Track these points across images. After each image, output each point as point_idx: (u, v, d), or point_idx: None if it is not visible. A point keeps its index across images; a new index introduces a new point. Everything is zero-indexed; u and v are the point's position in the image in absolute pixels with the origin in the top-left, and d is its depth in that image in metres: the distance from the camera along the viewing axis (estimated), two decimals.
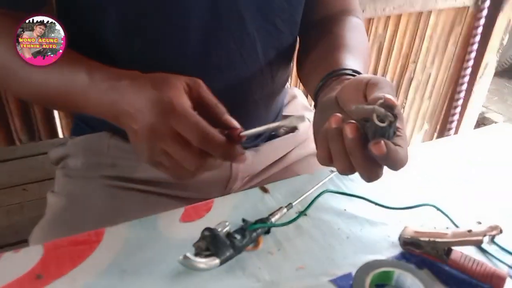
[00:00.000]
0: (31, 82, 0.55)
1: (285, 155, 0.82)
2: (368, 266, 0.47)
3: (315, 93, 0.57)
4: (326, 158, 0.45)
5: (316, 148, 0.48)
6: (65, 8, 0.62)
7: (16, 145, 1.07)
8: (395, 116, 0.40)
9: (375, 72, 1.70)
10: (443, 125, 2.01)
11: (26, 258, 0.47)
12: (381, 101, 0.40)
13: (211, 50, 0.62)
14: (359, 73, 0.55)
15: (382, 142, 0.40)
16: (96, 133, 0.74)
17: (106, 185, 0.70)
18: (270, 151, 0.80)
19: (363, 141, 0.41)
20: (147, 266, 0.47)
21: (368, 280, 0.45)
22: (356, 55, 0.61)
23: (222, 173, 0.75)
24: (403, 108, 1.87)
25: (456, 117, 1.93)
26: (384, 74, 1.72)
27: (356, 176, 0.44)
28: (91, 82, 0.50)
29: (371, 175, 0.43)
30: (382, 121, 0.40)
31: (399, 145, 0.42)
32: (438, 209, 0.58)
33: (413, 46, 1.70)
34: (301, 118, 0.46)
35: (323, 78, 0.56)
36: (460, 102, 1.89)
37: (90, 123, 0.76)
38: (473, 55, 1.78)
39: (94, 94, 0.50)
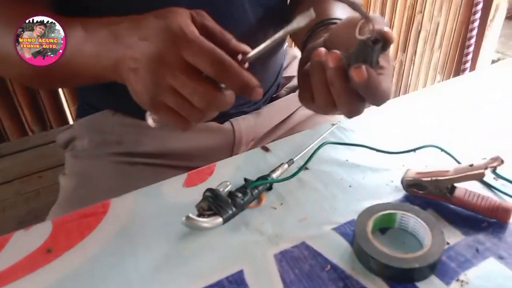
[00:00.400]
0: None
1: (288, 117, 0.81)
2: (370, 211, 0.47)
3: (302, 44, 0.56)
4: (308, 97, 0.44)
5: (299, 87, 0.46)
6: None
7: (28, 135, 1.10)
8: (375, 41, 0.38)
9: None
10: (456, 74, 1.97)
11: (36, 235, 0.48)
12: (362, 19, 0.38)
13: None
14: None
15: (363, 66, 0.38)
16: (100, 112, 0.75)
17: (113, 161, 0.71)
18: (272, 113, 0.79)
19: (345, 75, 0.40)
20: (154, 231, 0.49)
21: (370, 224, 0.45)
22: (343, 6, 0.59)
23: (226, 139, 0.75)
24: (413, 61, 1.83)
25: (468, 65, 1.88)
26: (390, 27, 1.67)
27: (357, 126, 0.44)
28: (86, 35, 0.47)
29: (352, 108, 0.42)
30: (362, 33, 0.38)
31: (382, 75, 0.40)
32: (441, 149, 0.57)
33: None
34: (308, 15, 0.41)
35: (311, 28, 0.55)
36: (471, 49, 1.84)
37: (93, 104, 0.77)
38: None
39: (90, 48, 0.46)
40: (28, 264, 0.45)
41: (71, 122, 1.16)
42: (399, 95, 1.90)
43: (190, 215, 0.46)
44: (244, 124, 0.76)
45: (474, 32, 1.80)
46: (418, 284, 0.41)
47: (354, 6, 0.39)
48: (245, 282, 0.41)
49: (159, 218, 0.50)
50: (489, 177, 0.52)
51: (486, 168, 0.46)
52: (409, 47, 1.78)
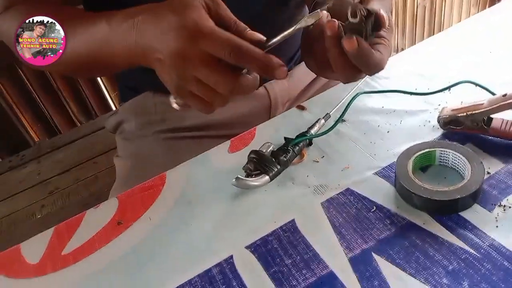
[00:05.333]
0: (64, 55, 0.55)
1: None
2: (409, 151, 0.48)
3: (310, 9, 0.57)
4: (310, 60, 0.47)
5: (301, 49, 0.49)
6: None
7: (77, 126, 1.17)
8: (369, 13, 0.41)
9: None
10: (492, 3, 1.87)
11: (106, 210, 0.54)
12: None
13: None
14: None
15: (354, 37, 0.41)
16: (141, 94, 0.79)
17: (160, 139, 0.76)
18: (303, 72, 0.81)
19: (341, 43, 0.42)
20: (208, 196, 0.53)
21: (410, 164, 0.47)
22: None
23: (263, 103, 0.78)
24: None
25: None
26: None
27: (391, 73, 0.45)
28: (111, 29, 0.49)
29: (346, 74, 0.45)
30: (355, 16, 0.40)
31: (378, 50, 0.43)
32: (476, 84, 0.58)
33: None
34: (315, 15, 0.44)
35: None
36: None
37: (134, 87, 0.81)
38: None
39: (116, 40, 0.48)
40: (103, 237, 0.50)
41: (113, 108, 1.22)
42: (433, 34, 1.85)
43: (239, 176, 0.50)
44: (278, 87, 0.78)
45: None
46: (462, 213, 0.43)
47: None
48: (297, 229, 0.45)
49: (211, 183, 0.55)
50: None
51: None
52: None
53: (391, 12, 0.47)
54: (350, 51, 0.42)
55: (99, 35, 0.51)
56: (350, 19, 0.41)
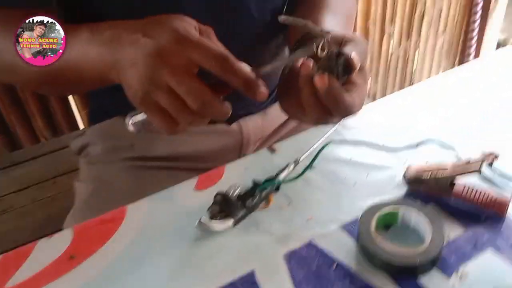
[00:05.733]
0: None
1: None
2: (373, 208, 0.49)
3: (291, 52, 0.58)
4: (285, 101, 0.48)
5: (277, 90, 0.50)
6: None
7: (41, 142, 1.13)
8: (340, 53, 0.41)
9: (383, 16, 1.66)
10: (461, 58, 1.96)
11: (59, 242, 0.51)
12: (328, 34, 0.41)
13: (209, 24, 0.63)
14: None
15: (326, 75, 0.41)
16: (112, 118, 0.77)
17: (127, 166, 0.74)
18: (278, 112, 0.80)
19: (314, 73, 0.43)
20: (169, 235, 0.51)
21: (374, 222, 0.47)
22: (337, 16, 0.61)
23: (234, 140, 0.78)
24: (418, 47, 1.83)
25: (472, 49, 1.88)
26: (393, 15, 1.68)
27: (361, 124, 0.46)
28: (91, 36, 0.48)
29: (318, 115, 0.45)
30: (323, 49, 0.41)
31: (349, 90, 0.44)
32: (442, 144, 0.59)
33: None
34: (309, 50, 0.43)
35: (301, 37, 0.57)
36: (475, 32, 1.83)
37: (106, 110, 0.79)
38: None
39: (94, 47, 0.47)
40: (52, 271, 0.48)
41: (81, 127, 1.19)
42: (404, 84, 1.91)
43: (202, 219, 0.49)
44: (252, 124, 0.78)
45: (478, 15, 1.80)
46: (420, 277, 0.43)
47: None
48: (256, 283, 0.44)
49: (173, 222, 0.53)
50: (488, 171, 0.54)
51: (482, 164, 0.48)
52: (413, 34, 1.78)
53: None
54: (321, 89, 0.42)
55: (77, 44, 0.49)
56: (319, 53, 0.41)
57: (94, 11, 0.61)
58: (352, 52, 0.43)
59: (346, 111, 0.44)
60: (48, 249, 0.51)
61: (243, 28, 0.67)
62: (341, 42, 0.46)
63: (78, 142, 0.81)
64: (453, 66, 1.99)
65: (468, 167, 0.48)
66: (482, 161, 0.47)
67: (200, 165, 0.78)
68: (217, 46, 0.43)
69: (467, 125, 0.64)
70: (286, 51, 0.83)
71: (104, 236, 0.52)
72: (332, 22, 0.59)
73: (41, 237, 0.52)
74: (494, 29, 1.88)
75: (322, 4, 0.63)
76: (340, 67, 0.42)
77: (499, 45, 2.02)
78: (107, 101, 0.79)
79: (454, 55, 1.96)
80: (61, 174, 1.14)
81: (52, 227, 0.54)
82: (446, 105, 0.69)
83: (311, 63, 0.43)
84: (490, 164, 0.48)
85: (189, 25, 0.44)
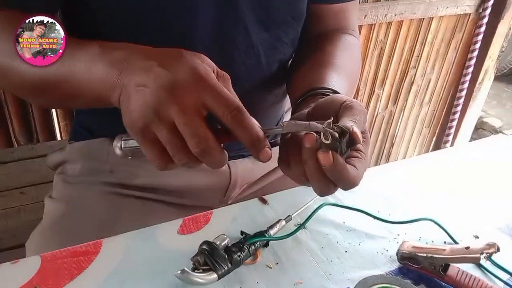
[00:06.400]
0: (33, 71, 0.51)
1: None
2: (365, 283, 0.47)
3: (294, 107, 0.58)
4: (286, 164, 0.45)
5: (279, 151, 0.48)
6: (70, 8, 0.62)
7: (13, 147, 1.07)
8: (343, 132, 0.41)
9: (375, 78, 1.70)
10: (442, 130, 2.02)
11: (24, 269, 0.47)
12: (329, 120, 0.41)
13: (216, 62, 0.62)
14: (338, 93, 0.55)
15: (330, 153, 0.41)
16: (96, 139, 0.74)
17: (104, 191, 0.70)
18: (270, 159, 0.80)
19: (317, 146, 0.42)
20: (146, 279, 0.47)
21: None
22: (342, 75, 0.61)
23: (221, 181, 0.75)
24: (402, 113, 1.87)
25: (454, 123, 1.94)
26: (384, 79, 1.72)
27: (356, 188, 0.44)
28: (101, 52, 0.46)
29: (323, 188, 0.44)
30: (327, 138, 0.41)
31: (353, 165, 0.43)
32: (436, 223, 0.58)
33: (413, 51, 1.70)
34: (300, 126, 0.43)
35: (304, 94, 0.56)
36: (459, 108, 1.90)
37: (90, 129, 0.76)
38: (473, 61, 1.79)
39: (103, 62, 0.45)
40: None
41: (58, 137, 1.14)
42: (385, 145, 1.94)
43: (186, 268, 0.46)
44: (241, 167, 0.75)
45: (464, 93, 1.86)
46: None
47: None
48: None
49: (152, 264, 0.49)
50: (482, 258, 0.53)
51: (481, 254, 0.47)
52: (400, 99, 1.83)
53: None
54: (325, 166, 0.41)
55: (84, 58, 0.47)
56: (324, 141, 0.41)
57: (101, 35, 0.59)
58: (354, 127, 0.42)
59: (351, 184, 0.44)
60: (11, 276, 0.46)
61: (248, 71, 0.66)
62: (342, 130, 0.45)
63: (56, 157, 0.77)
64: (434, 135, 2.04)
65: (467, 257, 0.47)
66: (483, 250, 0.46)
67: (181, 201, 0.75)
68: (233, 95, 0.42)
69: (462, 206, 0.64)
70: (285, 103, 0.82)
71: (74, 270, 0.48)
72: (337, 82, 0.58)
73: (1, 251, 0.47)
74: (477, 106, 1.95)
75: (330, 62, 0.63)
76: (344, 145, 0.42)
77: (495, 131, 2.09)
78: (93, 119, 0.75)
79: (435, 126, 2.02)
80: (29, 185, 1.07)
81: (10, 240, 0.49)
82: (440, 186, 0.69)
83: (314, 136, 0.42)
84: (490, 255, 0.47)
85: (208, 66, 0.43)
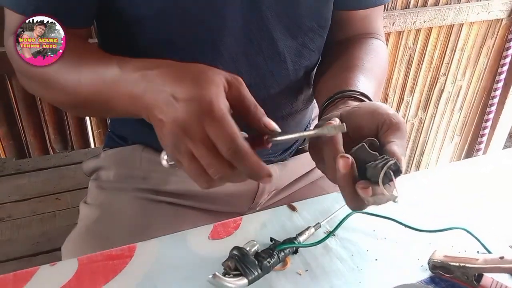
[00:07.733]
0: (67, 83, 0.54)
1: (311, 170, 0.82)
2: None
3: (321, 108, 0.58)
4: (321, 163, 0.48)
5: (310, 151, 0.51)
6: (103, 22, 0.64)
7: (49, 154, 1.11)
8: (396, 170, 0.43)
9: (404, 85, 1.68)
10: (474, 137, 1.97)
11: (62, 272, 0.49)
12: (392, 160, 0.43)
13: (243, 69, 0.63)
14: (366, 96, 0.56)
15: (370, 188, 0.42)
16: (129, 146, 0.76)
17: (137, 197, 0.72)
18: (297, 165, 0.80)
19: (353, 180, 0.44)
20: (178, 283, 0.49)
21: None
22: (369, 78, 0.61)
23: (249, 187, 0.76)
24: (433, 120, 1.84)
25: (487, 130, 1.89)
26: (414, 86, 1.70)
27: None
28: (122, 74, 0.48)
29: (357, 206, 0.46)
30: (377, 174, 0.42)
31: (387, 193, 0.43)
32: (469, 232, 0.57)
33: (443, 58, 1.68)
34: (340, 127, 0.44)
35: (331, 96, 0.56)
36: (491, 115, 1.85)
37: (124, 136, 0.78)
38: (505, 68, 1.75)
39: (124, 85, 0.47)
40: None
41: (92, 145, 1.18)
42: (415, 153, 1.91)
43: (217, 273, 0.46)
44: None
45: (496, 100, 1.82)
46: None
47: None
48: None
49: (183, 269, 0.50)
50: None
51: None
52: (430, 106, 1.80)
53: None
54: (364, 197, 0.43)
55: (107, 79, 0.49)
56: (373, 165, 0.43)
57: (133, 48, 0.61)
58: (403, 161, 0.43)
59: (384, 202, 0.44)
60: (49, 278, 0.48)
61: (275, 78, 0.67)
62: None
63: (91, 164, 0.80)
64: (466, 142, 2.00)
65: (502, 267, 0.46)
66: None
67: (211, 207, 0.76)
68: (234, 131, 0.42)
69: (495, 215, 0.63)
70: (312, 109, 0.82)
71: (109, 273, 0.49)
72: (365, 85, 0.58)
73: (37, 254, 0.49)
74: (509, 113, 1.90)
75: (357, 65, 0.64)
76: (387, 176, 0.42)
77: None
78: (127, 127, 0.78)
79: (467, 133, 1.98)
80: (65, 191, 1.11)
81: (46, 245, 0.51)
82: (471, 195, 0.67)
83: (350, 161, 0.43)
84: None
85: (216, 93, 0.43)
